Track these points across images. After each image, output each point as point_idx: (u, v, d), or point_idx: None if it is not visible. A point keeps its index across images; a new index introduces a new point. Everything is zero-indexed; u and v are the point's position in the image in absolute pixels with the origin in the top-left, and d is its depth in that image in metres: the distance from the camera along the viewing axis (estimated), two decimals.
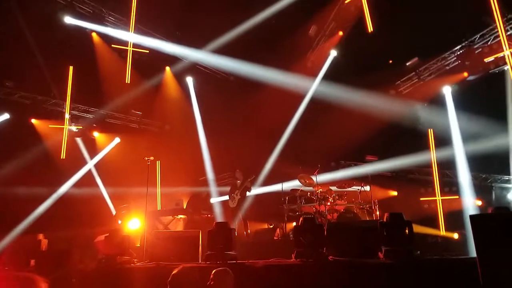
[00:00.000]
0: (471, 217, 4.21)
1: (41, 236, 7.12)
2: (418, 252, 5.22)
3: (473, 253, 4.12)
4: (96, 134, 13.32)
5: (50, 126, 12.25)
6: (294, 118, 13.11)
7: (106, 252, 6.21)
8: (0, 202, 9.81)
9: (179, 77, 13.37)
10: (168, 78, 13.32)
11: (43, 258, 6.54)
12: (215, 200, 12.38)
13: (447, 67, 11.75)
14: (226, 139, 12.83)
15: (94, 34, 11.86)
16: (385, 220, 5.48)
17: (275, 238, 10.25)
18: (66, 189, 11.81)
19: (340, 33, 12.32)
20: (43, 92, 12.04)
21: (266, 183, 12.16)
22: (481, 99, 11.04)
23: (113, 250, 6.22)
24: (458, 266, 4.40)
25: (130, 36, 11.61)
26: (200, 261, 6.43)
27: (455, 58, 11.47)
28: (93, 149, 13.04)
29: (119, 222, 11.44)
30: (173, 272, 3.41)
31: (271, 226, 10.96)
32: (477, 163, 11.72)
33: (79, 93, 12.41)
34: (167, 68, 13.20)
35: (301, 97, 13.02)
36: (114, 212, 11.53)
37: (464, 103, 11.44)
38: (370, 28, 10.50)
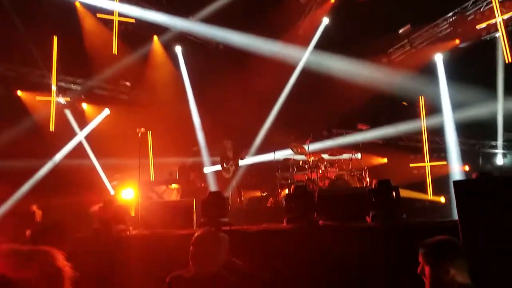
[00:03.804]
0: (455, 182, 4.31)
1: (34, 207, 7.17)
2: (404, 215, 5.40)
3: (456, 216, 4.26)
4: (85, 105, 13.16)
5: (37, 98, 12.04)
6: (286, 87, 13.08)
7: (101, 221, 6.30)
8: None
9: (168, 47, 13.12)
10: (156, 47, 13.05)
11: (38, 228, 6.62)
12: (208, 169, 12.48)
13: (440, 34, 11.69)
14: (217, 108, 12.80)
15: (77, 3, 11.51)
16: (373, 186, 5.62)
17: (268, 205, 10.46)
18: (57, 161, 11.79)
19: (332, 0, 12.13)
20: (28, 64, 11.78)
21: (259, 152, 12.28)
22: (472, 66, 11.07)
23: (108, 219, 6.31)
24: (440, 229, 4.58)
25: (115, 5, 11.30)
26: (195, 229, 6.57)
27: (448, 25, 11.39)
28: (82, 121, 12.94)
29: (112, 192, 11.55)
30: (196, 234, 3.32)
31: (264, 194, 11.14)
32: (466, 129, 11.91)
33: (65, 64, 12.16)
34: (155, 37, 12.93)
35: (293, 66, 12.93)
36: (112, 191, 11.58)
37: (455, 70, 11.48)
38: None
